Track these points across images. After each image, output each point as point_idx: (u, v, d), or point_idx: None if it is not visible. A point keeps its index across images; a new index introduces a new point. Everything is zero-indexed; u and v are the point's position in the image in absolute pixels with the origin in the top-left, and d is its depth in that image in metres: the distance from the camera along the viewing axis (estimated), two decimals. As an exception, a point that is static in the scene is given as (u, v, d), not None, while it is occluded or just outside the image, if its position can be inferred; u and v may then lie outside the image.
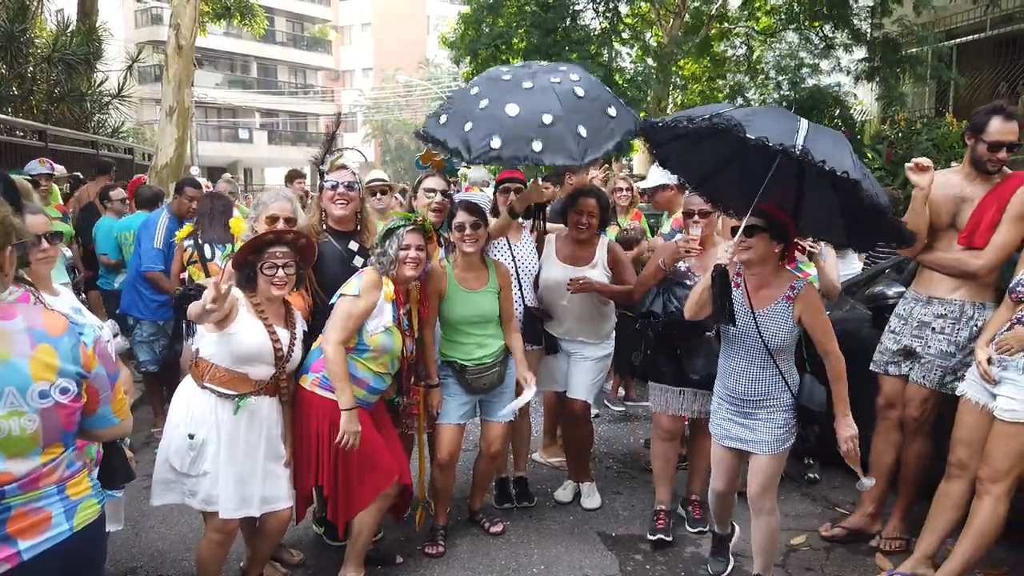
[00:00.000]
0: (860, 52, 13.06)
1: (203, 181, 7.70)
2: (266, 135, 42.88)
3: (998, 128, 3.44)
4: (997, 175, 3.53)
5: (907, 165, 3.57)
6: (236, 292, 3.02)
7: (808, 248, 3.99)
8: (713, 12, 15.48)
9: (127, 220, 6.20)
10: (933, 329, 3.64)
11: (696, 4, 15.46)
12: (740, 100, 15.78)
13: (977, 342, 3.43)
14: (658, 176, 5.22)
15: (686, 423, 4.12)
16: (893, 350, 3.79)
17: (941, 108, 14.23)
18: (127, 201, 6.49)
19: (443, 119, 3.53)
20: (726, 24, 16.19)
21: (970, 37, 13.49)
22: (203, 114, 37.85)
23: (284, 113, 44.60)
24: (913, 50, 12.23)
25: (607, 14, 12.63)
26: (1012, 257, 3.50)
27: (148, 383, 5.74)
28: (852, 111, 14.87)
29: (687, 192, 4.20)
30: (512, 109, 3.34)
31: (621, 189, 6.34)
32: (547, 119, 3.31)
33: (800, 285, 3.17)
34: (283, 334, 3.12)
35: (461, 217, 3.73)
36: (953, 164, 5.57)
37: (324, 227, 3.62)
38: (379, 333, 3.30)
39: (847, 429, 3.08)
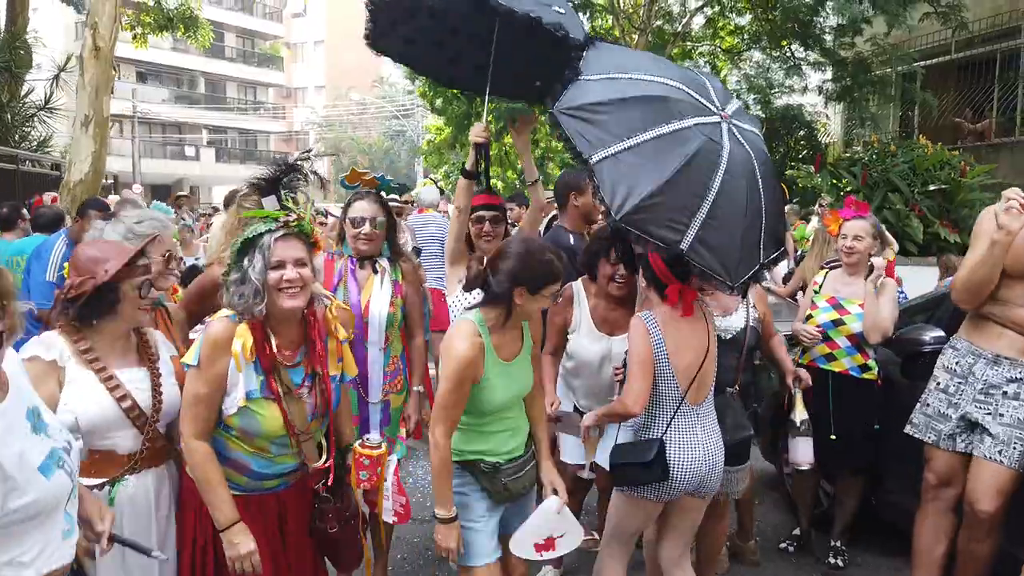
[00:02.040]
0: (829, 72, 12.76)
1: (140, 201, 6.79)
2: (214, 152, 41.63)
3: None
4: None
5: (996, 207, 2.89)
6: (54, 345, 2.21)
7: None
8: (677, 31, 15.09)
9: (20, 243, 5.28)
10: (1005, 394, 2.99)
11: (659, 23, 15.08)
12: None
13: None
14: None
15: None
16: (951, 417, 3.12)
17: (905, 130, 14.04)
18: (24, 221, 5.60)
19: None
20: (689, 43, 15.82)
21: (936, 59, 13.35)
22: (147, 130, 36.52)
23: (233, 130, 43.39)
24: (886, 70, 11.93)
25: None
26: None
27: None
28: (818, 132, 14.61)
29: None
30: None
31: None
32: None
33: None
34: (134, 377, 2.30)
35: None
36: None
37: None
38: (233, 415, 2.29)
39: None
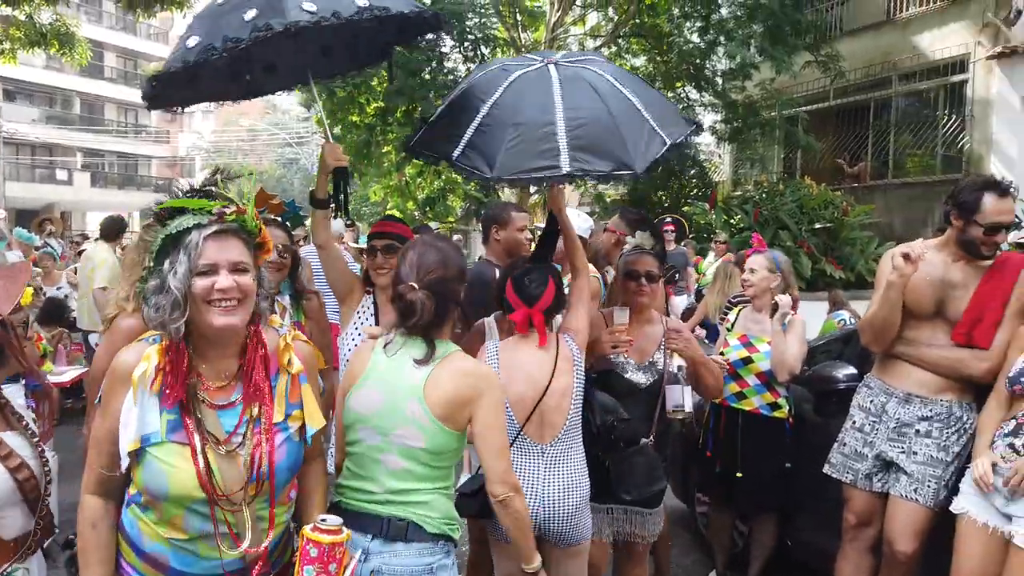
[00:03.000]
0: (721, 114, 13.29)
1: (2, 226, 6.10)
2: (89, 176, 39.23)
3: (994, 208, 2.88)
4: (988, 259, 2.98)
5: (896, 251, 2.96)
6: None
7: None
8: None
9: None
10: (918, 432, 3.00)
11: (558, 59, 15.32)
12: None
13: (976, 447, 2.81)
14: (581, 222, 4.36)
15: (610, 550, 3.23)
16: (867, 456, 3.11)
17: (789, 171, 14.80)
18: None
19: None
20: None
21: (816, 105, 14.17)
22: (13, 151, 34.05)
23: (111, 153, 41.08)
24: (772, 114, 12.54)
25: (475, 59, 12.10)
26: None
27: None
28: (709, 172, 15.18)
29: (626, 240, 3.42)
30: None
31: None
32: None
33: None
34: (15, 443, 1.92)
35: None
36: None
37: None
38: (137, 469, 1.75)
39: None
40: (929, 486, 2.94)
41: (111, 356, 1.88)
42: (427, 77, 11.23)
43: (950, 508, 2.80)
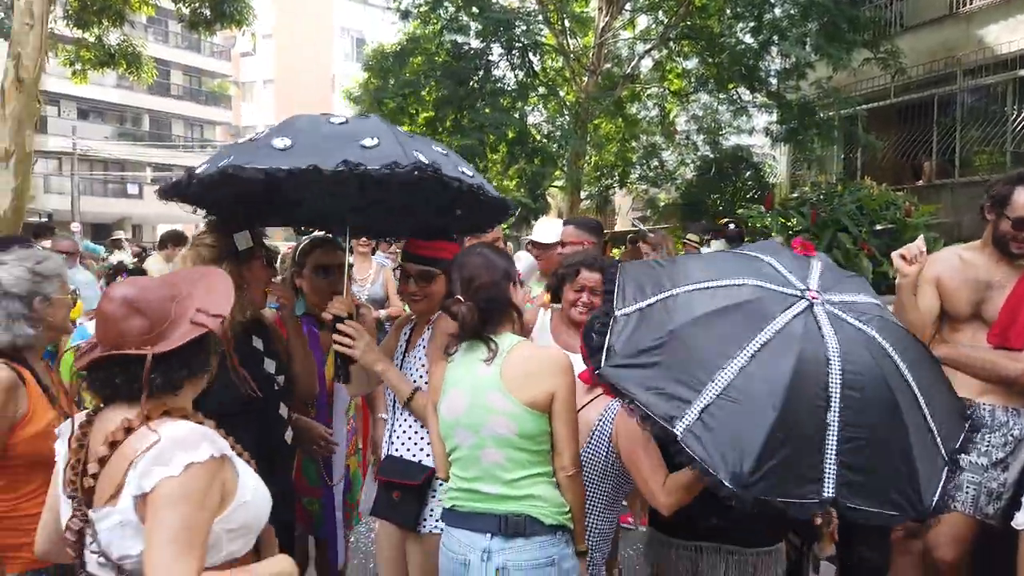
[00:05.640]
0: (776, 114, 13.03)
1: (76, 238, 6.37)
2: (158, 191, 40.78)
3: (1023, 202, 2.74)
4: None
5: (894, 253, 2.90)
6: (206, 434, 1.63)
7: None
8: (626, 73, 15.29)
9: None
10: (958, 436, 2.87)
11: (608, 65, 15.26)
12: (656, 161, 15.56)
13: None
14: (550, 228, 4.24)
15: None
16: None
17: (849, 171, 14.39)
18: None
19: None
20: (638, 86, 16.05)
21: (876, 103, 13.75)
22: (87, 167, 35.60)
23: (179, 168, 42.60)
24: (830, 113, 12.22)
25: (523, 67, 12.13)
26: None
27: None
28: (764, 173, 14.88)
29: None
30: None
31: None
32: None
33: None
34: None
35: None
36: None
37: None
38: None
39: None
40: (968, 492, 2.82)
41: None
42: (475, 86, 11.30)
43: (1012, 524, 2.66)
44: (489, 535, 2.14)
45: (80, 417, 1.71)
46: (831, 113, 12.63)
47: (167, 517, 1.48)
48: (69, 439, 1.67)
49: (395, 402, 2.66)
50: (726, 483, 1.76)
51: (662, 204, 15.91)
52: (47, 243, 5.14)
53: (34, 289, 2.35)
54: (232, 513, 1.62)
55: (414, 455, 2.58)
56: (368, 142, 2.24)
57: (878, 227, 10.21)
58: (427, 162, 2.22)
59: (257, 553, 1.78)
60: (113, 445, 1.58)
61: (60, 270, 2.46)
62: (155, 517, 1.49)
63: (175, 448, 1.53)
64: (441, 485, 2.44)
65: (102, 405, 1.70)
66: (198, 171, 2.29)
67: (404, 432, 2.62)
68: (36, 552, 1.84)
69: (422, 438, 2.56)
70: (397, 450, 2.62)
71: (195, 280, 1.78)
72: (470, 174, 2.46)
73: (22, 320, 2.33)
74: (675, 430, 1.81)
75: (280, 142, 2.22)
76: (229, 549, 1.65)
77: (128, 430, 1.58)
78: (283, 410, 2.70)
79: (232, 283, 1.82)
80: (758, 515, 2.35)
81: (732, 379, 1.83)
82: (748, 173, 14.75)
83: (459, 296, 2.24)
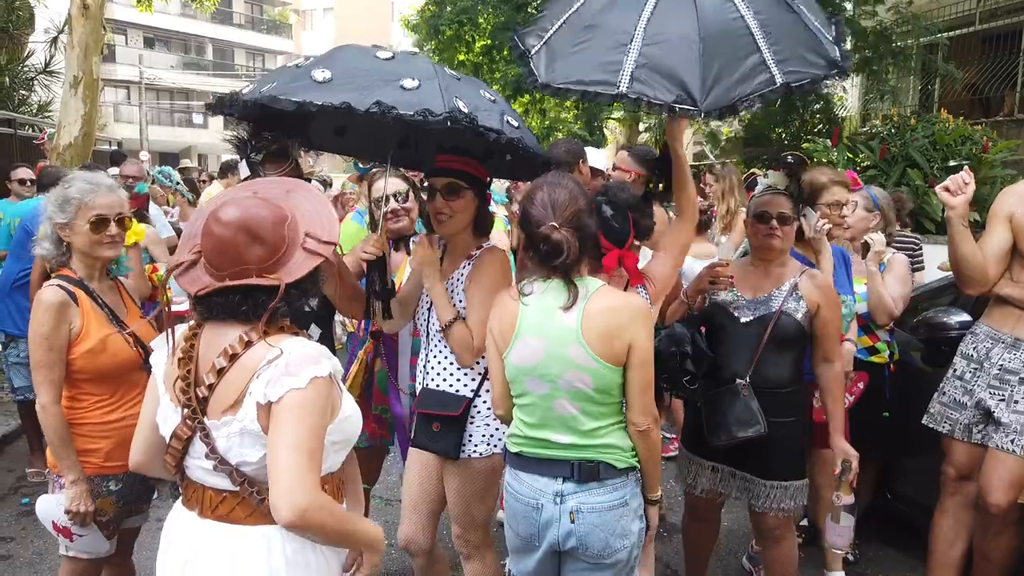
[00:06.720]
0: (849, 43, 12.34)
1: (145, 167, 6.54)
2: (222, 120, 41.37)
3: None
4: None
5: (938, 187, 2.82)
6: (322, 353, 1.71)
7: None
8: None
9: (22, 205, 5.16)
10: (1022, 379, 2.78)
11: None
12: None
13: None
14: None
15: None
16: (967, 405, 2.91)
17: (925, 105, 13.64)
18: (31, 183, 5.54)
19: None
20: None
21: (959, 31, 12.92)
22: (154, 96, 36.31)
23: (241, 98, 43.18)
24: (908, 41, 11.52)
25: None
26: None
27: (24, 415, 4.67)
28: (834, 105, 14.23)
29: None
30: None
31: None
32: None
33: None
34: None
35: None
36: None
37: None
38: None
39: None
40: None
41: None
42: (533, 11, 11.01)
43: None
44: (561, 479, 2.12)
45: (182, 330, 1.76)
46: (909, 41, 11.91)
47: (293, 426, 1.56)
48: (172, 352, 1.73)
49: (428, 334, 2.67)
50: (537, 81, 2.33)
51: (724, 138, 15.36)
52: (114, 169, 5.31)
53: (51, 213, 2.53)
54: (338, 425, 1.72)
55: (451, 385, 2.61)
56: (408, 83, 2.18)
57: (951, 163, 9.73)
58: (465, 111, 2.17)
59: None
60: (233, 358, 1.64)
61: (80, 196, 2.51)
62: (281, 426, 1.56)
63: (303, 362, 1.61)
64: (491, 421, 2.49)
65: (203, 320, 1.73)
66: (243, 94, 2.33)
67: (439, 363, 2.64)
68: (131, 464, 1.87)
69: (458, 368, 2.59)
70: (433, 380, 2.65)
71: (286, 196, 1.78)
72: (515, 124, 2.40)
73: (47, 240, 2.56)
74: (620, 88, 2.16)
75: (320, 74, 2.19)
76: (331, 460, 1.75)
77: (248, 344, 1.65)
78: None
79: (325, 199, 1.83)
80: (767, 445, 2.71)
81: (571, 12, 2.34)
82: (817, 106, 14.09)
83: (552, 223, 2.04)
